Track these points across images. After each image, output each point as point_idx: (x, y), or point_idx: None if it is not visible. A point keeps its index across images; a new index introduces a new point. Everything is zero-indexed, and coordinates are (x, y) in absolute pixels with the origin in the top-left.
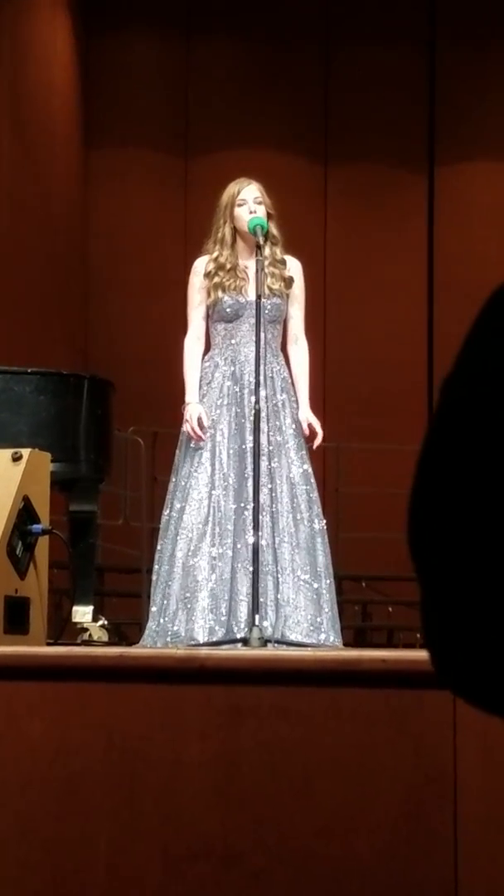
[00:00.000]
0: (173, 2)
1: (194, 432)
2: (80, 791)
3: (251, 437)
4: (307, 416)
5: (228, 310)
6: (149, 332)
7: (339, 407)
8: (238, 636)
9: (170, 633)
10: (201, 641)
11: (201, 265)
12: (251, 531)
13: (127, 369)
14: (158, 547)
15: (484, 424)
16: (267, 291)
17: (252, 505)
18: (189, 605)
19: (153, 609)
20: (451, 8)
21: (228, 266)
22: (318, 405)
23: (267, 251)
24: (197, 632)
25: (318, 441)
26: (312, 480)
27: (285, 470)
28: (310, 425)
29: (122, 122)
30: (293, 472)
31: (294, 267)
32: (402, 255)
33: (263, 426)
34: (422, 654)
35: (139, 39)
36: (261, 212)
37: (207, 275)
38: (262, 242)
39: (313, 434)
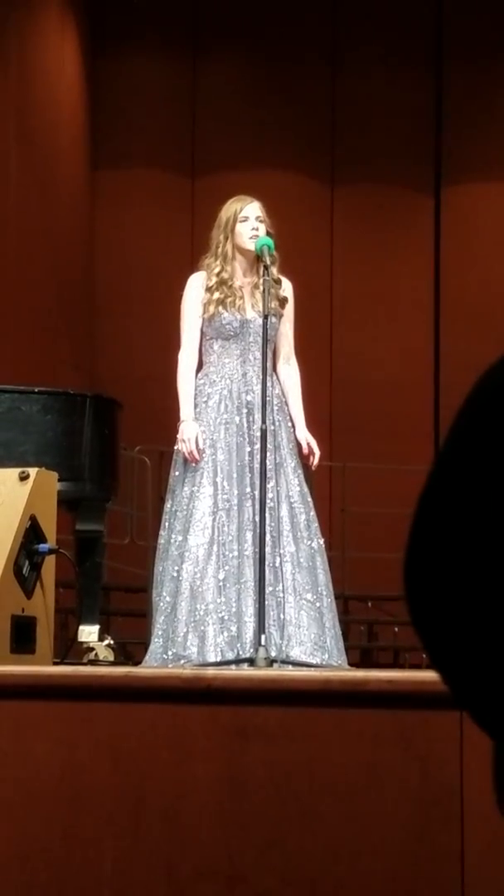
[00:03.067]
0: (180, 22)
1: (191, 454)
2: (86, 811)
3: (250, 456)
4: (305, 435)
5: (228, 327)
6: (155, 351)
7: (346, 427)
8: (244, 656)
9: (182, 658)
10: (211, 663)
11: (199, 280)
12: (255, 552)
13: (133, 388)
14: (158, 569)
15: (486, 469)
16: (268, 311)
17: (255, 526)
18: (200, 629)
19: (157, 631)
20: (458, 29)
21: (230, 283)
22: (324, 425)
23: (270, 272)
24: (209, 655)
25: (316, 460)
26: (309, 499)
27: (284, 490)
28: (308, 444)
29: (129, 141)
30: (292, 492)
31: (287, 287)
32: (409, 276)
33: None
34: (428, 675)
35: (146, 59)
36: (262, 230)
37: (209, 289)
38: (269, 263)
39: (311, 453)
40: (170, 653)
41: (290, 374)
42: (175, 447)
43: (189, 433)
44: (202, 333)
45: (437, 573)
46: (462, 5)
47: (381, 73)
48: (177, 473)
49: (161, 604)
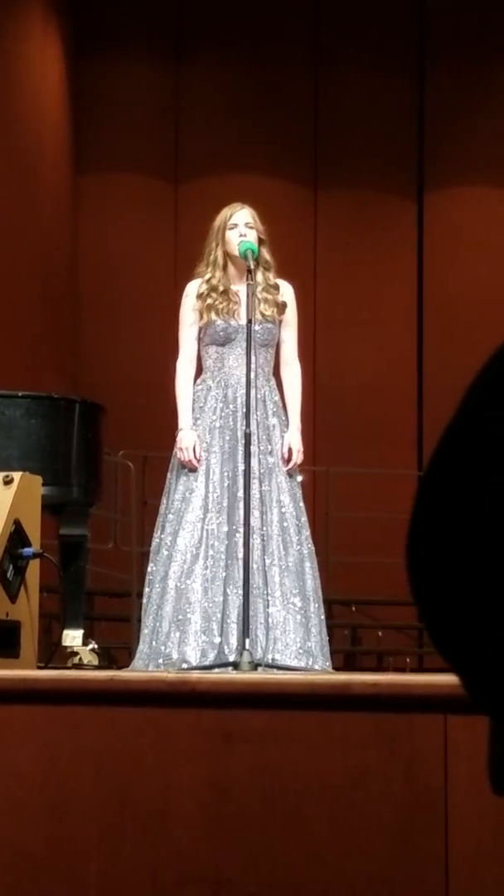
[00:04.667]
0: (163, 27)
1: (190, 462)
2: (70, 815)
3: (243, 460)
4: (290, 439)
5: (221, 333)
6: (139, 356)
7: (330, 432)
8: (229, 659)
9: (162, 655)
10: (193, 664)
11: (193, 288)
12: (242, 555)
13: (117, 393)
14: (150, 569)
15: (485, 453)
16: (259, 316)
17: (243, 528)
18: (182, 627)
19: (144, 632)
20: (440, 35)
21: (221, 289)
22: (308, 430)
23: (259, 276)
24: (189, 654)
25: (291, 465)
26: (301, 504)
27: (275, 493)
28: (289, 448)
29: (112, 146)
30: (283, 496)
31: (287, 292)
32: (392, 281)
33: (254, 449)
34: (412, 679)
35: (129, 64)
36: (251, 236)
37: (200, 296)
38: (252, 267)
39: (290, 458)
40: (152, 646)
41: (290, 377)
42: (172, 453)
43: (187, 441)
44: (199, 340)
45: (441, 548)
46: (444, 11)
47: (364, 78)
48: (171, 477)
49: (150, 604)
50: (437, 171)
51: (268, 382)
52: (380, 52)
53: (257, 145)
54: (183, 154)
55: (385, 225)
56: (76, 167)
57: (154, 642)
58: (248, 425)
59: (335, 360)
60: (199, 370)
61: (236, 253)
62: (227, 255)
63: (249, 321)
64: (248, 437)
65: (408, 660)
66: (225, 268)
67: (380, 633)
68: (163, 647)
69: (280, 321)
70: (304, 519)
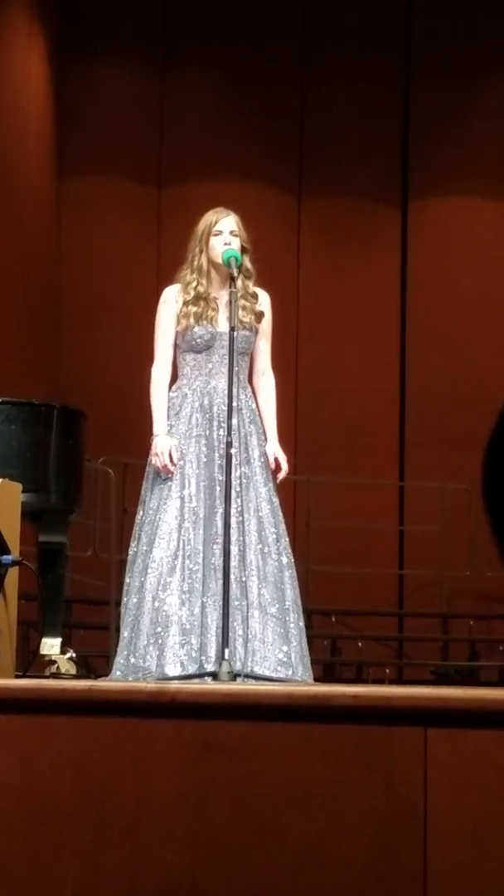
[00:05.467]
0: (149, 30)
1: (165, 467)
2: (47, 826)
3: (220, 469)
4: (275, 449)
5: (199, 340)
6: (120, 362)
7: (311, 440)
8: (208, 670)
9: (141, 670)
10: (171, 677)
11: (173, 293)
12: (220, 565)
13: (97, 399)
14: (126, 580)
15: None
16: (237, 324)
17: (221, 539)
18: (160, 641)
19: (121, 644)
20: (427, 43)
21: (205, 296)
22: (289, 438)
23: (239, 283)
24: (168, 668)
25: (282, 475)
26: (280, 514)
27: (253, 503)
28: (276, 459)
29: (96, 150)
30: (261, 505)
31: (265, 301)
32: (376, 289)
33: (235, 460)
34: (393, 691)
35: (114, 67)
36: (235, 244)
37: (185, 303)
38: (235, 275)
39: (279, 468)
40: (131, 663)
41: (264, 387)
42: (147, 460)
43: (162, 447)
44: (176, 346)
45: None
46: (431, 19)
47: (350, 84)
48: (147, 486)
49: (127, 615)
50: (422, 179)
51: (244, 390)
52: (366, 59)
53: (242, 151)
54: (167, 159)
55: (369, 232)
56: (59, 170)
57: (132, 657)
58: (229, 433)
59: (317, 367)
60: (174, 377)
61: (220, 260)
62: (210, 261)
63: (233, 329)
64: (229, 445)
65: (387, 671)
66: (208, 274)
67: (359, 644)
68: (141, 662)
69: (257, 330)
70: (282, 528)
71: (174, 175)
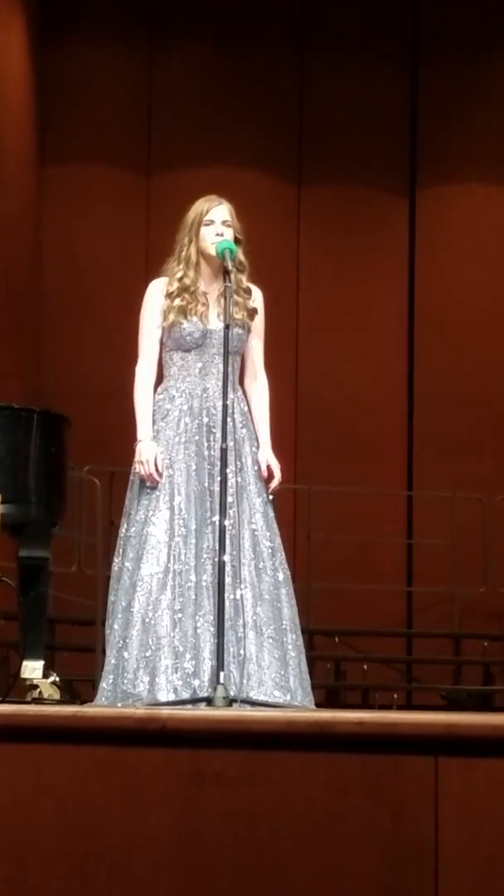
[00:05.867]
0: (136, 9)
1: (150, 475)
2: (29, 862)
3: (210, 479)
4: (266, 457)
5: (188, 338)
6: (106, 363)
7: (312, 447)
8: (202, 695)
9: (131, 696)
10: (164, 703)
11: (160, 286)
12: (214, 582)
13: (82, 403)
14: (111, 599)
15: None
16: (231, 321)
17: (215, 554)
18: (151, 665)
19: (107, 668)
20: (435, 22)
21: (192, 289)
22: (288, 445)
23: (233, 277)
24: (160, 694)
25: (275, 484)
26: (275, 527)
27: (247, 515)
28: (268, 467)
29: (80, 136)
30: (255, 517)
31: (258, 297)
32: (382, 284)
33: (229, 468)
34: (400, 717)
35: (99, 47)
36: (228, 235)
37: (169, 296)
38: (230, 268)
39: (271, 476)
40: (120, 690)
41: (257, 390)
42: (131, 469)
43: (147, 454)
44: (161, 344)
45: None
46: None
47: (353, 65)
48: (132, 496)
49: (112, 637)
50: (431, 166)
51: (235, 393)
52: (371, 38)
53: (237, 137)
54: (156, 145)
55: (374, 224)
56: (40, 158)
57: (121, 682)
58: (224, 438)
59: (318, 369)
60: (159, 377)
61: (211, 252)
62: (200, 252)
63: (227, 326)
64: (223, 452)
65: (395, 696)
66: (197, 266)
67: (365, 667)
68: (131, 688)
69: (249, 328)
70: (278, 541)
71: (164, 162)
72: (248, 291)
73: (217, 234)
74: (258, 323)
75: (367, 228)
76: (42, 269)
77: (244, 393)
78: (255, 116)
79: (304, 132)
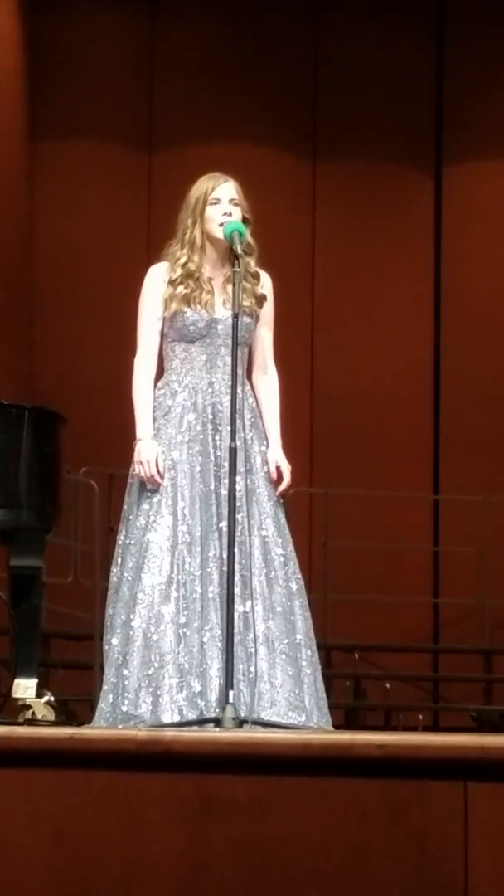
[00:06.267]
0: None
1: (151, 477)
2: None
3: (217, 481)
4: (276, 457)
5: (192, 327)
6: (105, 357)
7: (329, 447)
8: (209, 716)
9: (133, 718)
10: (168, 725)
11: (160, 271)
12: (221, 594)
13: (79, 400)
14: (109, 612)
15: None
16: (239, 309)
17: (222, 563)
18: (154, 684)
19: (105, 687)
20: None
21: (196, 276)
22: (303, 444)
23: (240, 262)
24: (165, 715)
25: (284, 486)
26: (287, 532)
27: (257, 521)
28: (277, 468)
29: (75, 110)
30: (265, 523)
31: (266, 283)
32: (405, 270)
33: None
34: (426, 739)
35: (95, 15)
36: (236, 214)
37: (172, 283)
38: (239, 251)
39: (280, 478)
40: (120, 711)
41: (266, 384)
42: (130, 470)
43: (147, 454)
44: (163, 335)
45: None
46: None
47: (372, 32)
48: (131, 500)
49: (111, 654)
50: (458, 139)
51: (243, 388)
52: (391, 3)
53: (245, 109)
54: (158, 119)
55: (397, 204)
56: (32, 132)
57: (122, 703)
58: (233, 438)
59: (336, 362)
60: (160, 371)
61: (217, 234)
62: (205, 235)
63: (236, 315)
64: (232, 452)
65: (420, 717)
66: (202, 250)
67: (387, 685)
68: (133, 709)
69: (258, 316)
70: (290, 549)
71: (166, 137)
72: (257, 276)
73: (224, 214)
74: (267, 311)
75: (389, 208)
76: (33, 255)
77: (252, 387)
78: (266, 87)
79: (318, 104)
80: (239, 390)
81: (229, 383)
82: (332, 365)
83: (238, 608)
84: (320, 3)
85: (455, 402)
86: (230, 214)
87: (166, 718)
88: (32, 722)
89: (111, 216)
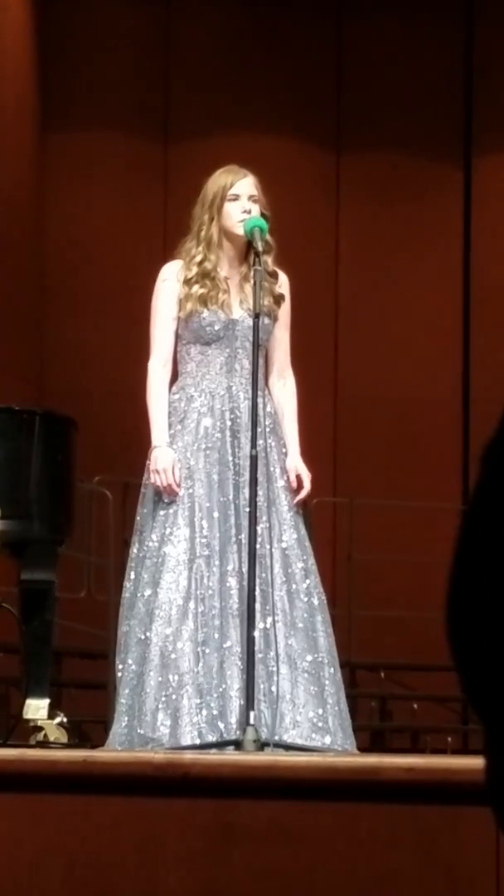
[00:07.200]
0: None
1: (168, 486)
2: None
3: (235, 490)
4: (295, 464)
5: (208, 329)
6: (118, 360)
7: (353, 454)
8: (229, 738)
9: (150, 742)
10: (187, 748)
11: (174, 270)
12: (241, 610)
13: (91, 405)
14: (124, 629)
15: None
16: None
17: (242, 577)
18: (173, 706)
19: (121, 709)
20: None
21: (213, 275)
22: (326, 451)
23: (261, 260)
24: (184, 738)
25: (303, 494)
26: (307, 544)
27: (276, 532)
28: (297, 476)
29: (88, 100)
30: (286, 535)
31: (284, 282)
32: (433, 267)
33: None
34: (456, 762)
35: (110, 1)
36: (255, 211)
37: (187, 282)
38: (260, 249)
39: (300, 487)
40: (136, 734)
41: (283, 389)
42: (144, 479)
43: (164, 462)
44: (178, 337)
45: (487, 614)
46: None
47: (399, 18)
48: (145, 511)
49: (126, 673)
50: (489, 129)
51: (261, 392)
52: None
53: (265, 98)
54: (175, 109)
55: (424, 197)
56: (42, 124)
57: (138, 725)
58: (253, 446)
59: (361, 364)
60: (175, 375)
61: (236, 231)
62: (223, 232)
63: (257, 315)
64: (253, 460)
65: (449, 739)
66: (219, 248)
67: (415, 706)
68: (150, 732)
69: (276, 316)
70: (312, 562)
71: (184, 128)
72: (275, 275)
73: (244, 211)
74: (285, 311)
75: (416, 202)
76: (44, 253)
77: (270, 392)
78: (287, 75)
79: (342, 92)
80: (259, 395)
81: (248, 387)
82: (356, 367)
83: (258, 624)
84: None
85: (486, 406)
86: (249, 212)
87: (185, 741)
88: (44, 744)
89: (125, 211)
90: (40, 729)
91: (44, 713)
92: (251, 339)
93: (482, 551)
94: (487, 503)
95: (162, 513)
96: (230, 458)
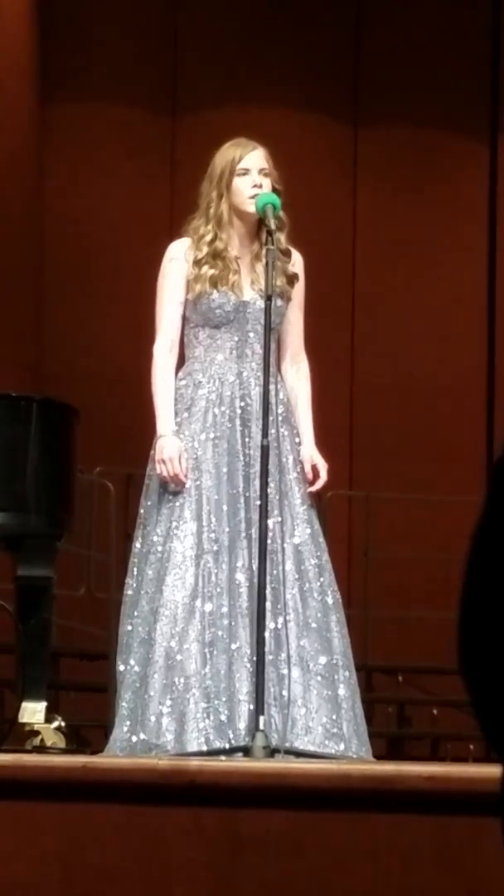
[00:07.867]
0: None
1: (175, 477)
2: None
3: (245, 482)
4: (311, 454)
5: (218, 311)
6: (121, 345)
7: (370, 445)
8: (238, 744)
9: (154, 748)
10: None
11: (182, 249)
12: (251, 609)
13: (92, 392)
14: (126, 629)
15: None
16: (273, 290)
17: (252, 575)
18: (178, 709)
19: (122, 712)
20: None
21: (223, 255)
22: (342, 442)
23: (274, 239)
24: (190, 744)
25: (319, 485)
26: (321, 540)
27: (289, 527)
28: (313, 466)
29: (91, 69)
30: (298, 531)
31: (298, 261)
32: (456, 247)
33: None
34: (477, 771)
35: None
36: (267, 186)
37: (197, 263)
38: (273, 227)
39: (316, 477)
40: (138, 739)
41: (297, 375)
42: (148, 470)
43: (170, 451)
44: (185, 319)
45: (493, 637)
46: None
47: None
48: (149, 504)
49: (128, 675)
50: None
51: (274, 379)
52: None
53: (278, 70)
54: (183, 80)
55: (447, 175)
56: (43, 95)
57: (141, 731)
58: (264, 435)
59: (379, 352)
60: (182, 359)
61: (248, 208)
62: (233, 209)
63: (269, 297)
64: (264, 450)
65: (472, 746)
66: (229, 226)
67: (435, 712)
68: (154, 738)
69: (289, 297)
70: (326, 558)
71: (192, 100)
72: (288, 254)
73: (254, 187)
74: (298, 292)
75: (439, 180)
76: (44, 231)
77: (282, 378)
78: (301, 45)
79: (361, 65)
80: (272, 381)
81: (259, 373)
82: (374, 352)
83: (269, 624)
84: None
85: None
86: (260, 187)
87: (191, 747)
88: (41, 749)
89: (130, 188)
90: (37, 733)
91: (41, 717)
92: (262, 322)
93: (492, 573)
94: (496, 521)
95: (167, 506)
96: (240, 448)
